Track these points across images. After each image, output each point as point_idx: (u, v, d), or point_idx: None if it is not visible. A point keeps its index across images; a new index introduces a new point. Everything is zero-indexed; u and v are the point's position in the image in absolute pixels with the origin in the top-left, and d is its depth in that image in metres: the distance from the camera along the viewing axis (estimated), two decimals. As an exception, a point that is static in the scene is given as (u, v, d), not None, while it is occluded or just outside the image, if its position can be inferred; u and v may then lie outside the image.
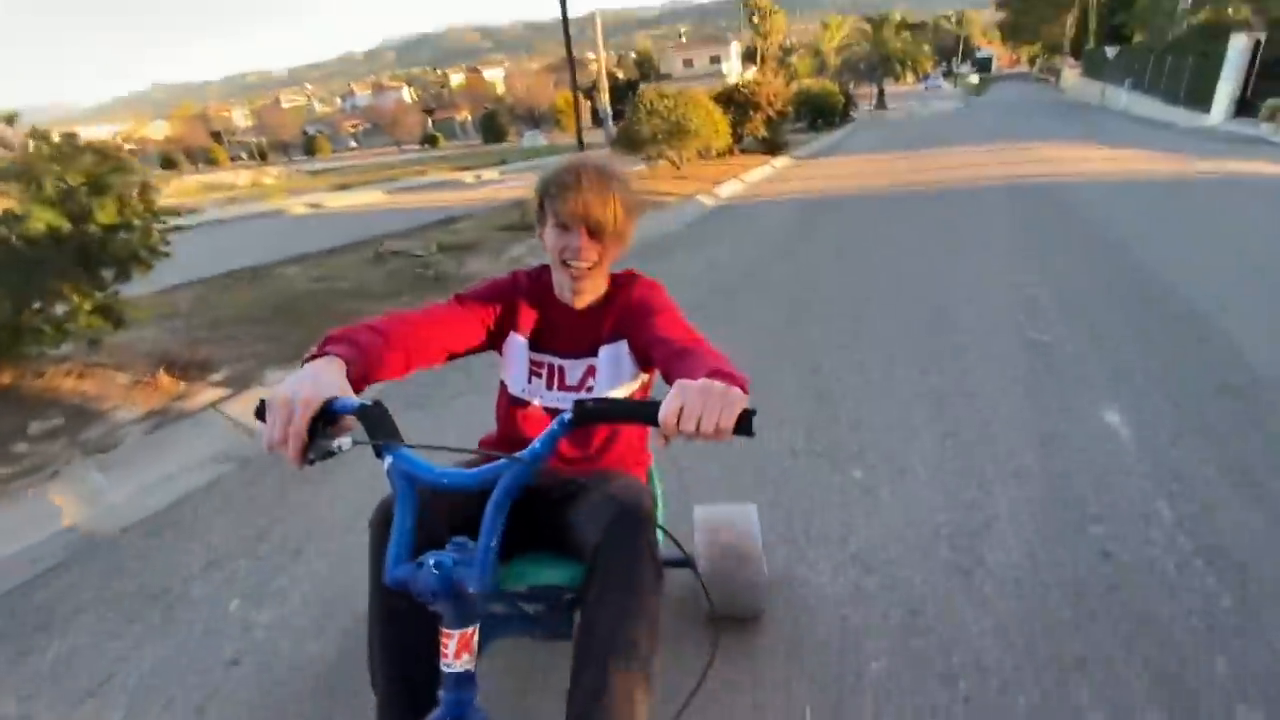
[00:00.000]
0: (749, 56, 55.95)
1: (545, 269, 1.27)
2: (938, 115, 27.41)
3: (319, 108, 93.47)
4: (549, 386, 1.24)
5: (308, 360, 0.92)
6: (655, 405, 0.77)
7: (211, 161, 68.01)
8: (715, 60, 53.70)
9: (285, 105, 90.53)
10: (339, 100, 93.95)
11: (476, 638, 0.85)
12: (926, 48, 68.77)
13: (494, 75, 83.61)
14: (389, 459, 0.85)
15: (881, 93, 41.20)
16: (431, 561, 0.81)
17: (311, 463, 0.84)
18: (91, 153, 3.23)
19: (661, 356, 1.04)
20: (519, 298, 1.25)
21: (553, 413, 1.21)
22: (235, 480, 2.73)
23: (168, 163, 70.78)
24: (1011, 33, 57.10)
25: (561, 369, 1.24)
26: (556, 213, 1.12)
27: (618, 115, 20.26)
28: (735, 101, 15.66)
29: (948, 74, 69.80)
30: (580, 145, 8.62)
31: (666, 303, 1.19)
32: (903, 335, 3.72)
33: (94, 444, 2.88)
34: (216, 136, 77.27)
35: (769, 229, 7.33)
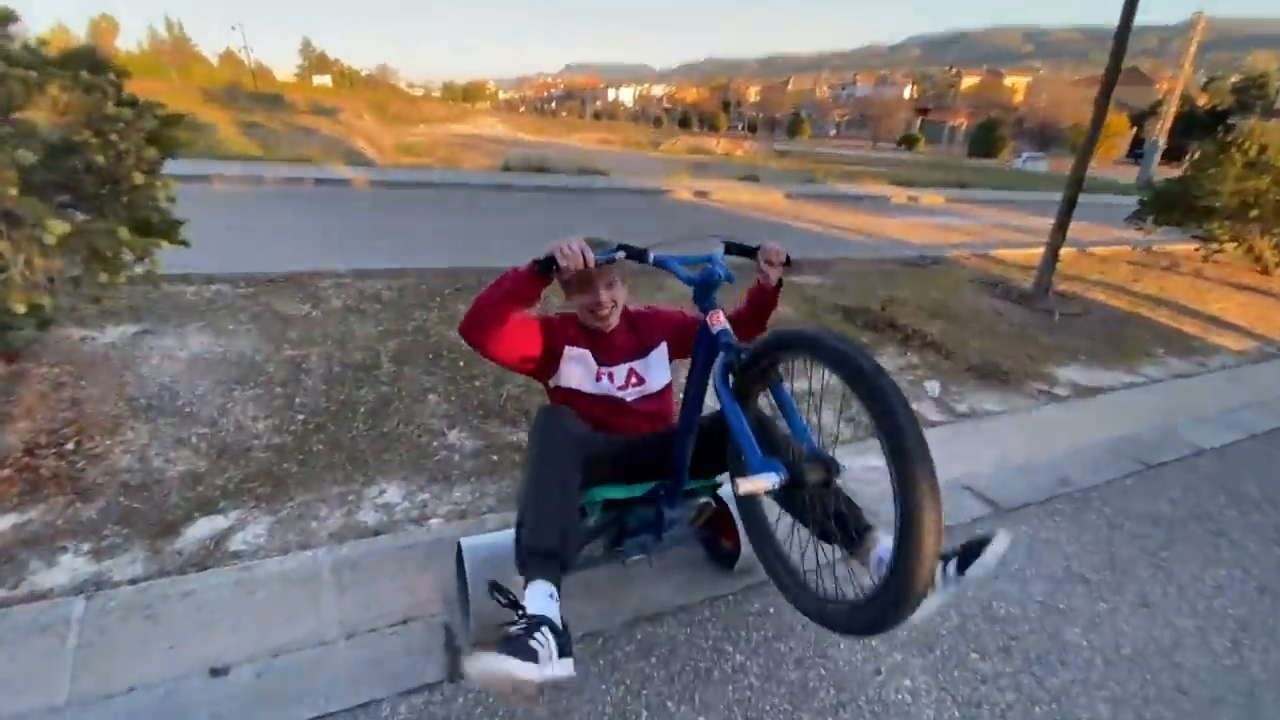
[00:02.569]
0: None
1: (568, 315, 1.75)
2: None
3: (819, 93, 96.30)
4: (611, 382, 1.71)
5: (533, 262, 1.45)
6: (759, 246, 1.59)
7: (713, 127, 77.42)
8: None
9: (791, 88, 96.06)
10: (841, 89, 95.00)
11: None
12: None
13: (1018, 81, 71.93)
14: (652, 258, 1.52)
15: None
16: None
17: (598, 264, 1.44)
18: None
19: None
20: (565, 330, 1.72)
21: (614, 398, 1.72)
22: None
23: (684, 121, 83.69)
24: None
25: (613, 374, 1.72)
26: (591, 286, 1.66)
27: (1172, 153, 13.61)
28: None
29: None
30: (1077, 185, 4.70)
31: (673, 310, 1.86)
32: None
33: None
34: (725, 106, 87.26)
35: None
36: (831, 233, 9.06)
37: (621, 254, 1.48)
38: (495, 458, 2.42)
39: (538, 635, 1.16)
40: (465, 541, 1.71)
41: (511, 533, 1.51)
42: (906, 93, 77.39)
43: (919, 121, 60.82)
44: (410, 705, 1.54)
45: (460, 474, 2.31)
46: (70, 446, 2.17)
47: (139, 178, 2.18)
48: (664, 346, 1.77)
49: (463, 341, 1.54)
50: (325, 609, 1.76)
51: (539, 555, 1.35)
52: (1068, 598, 2.08)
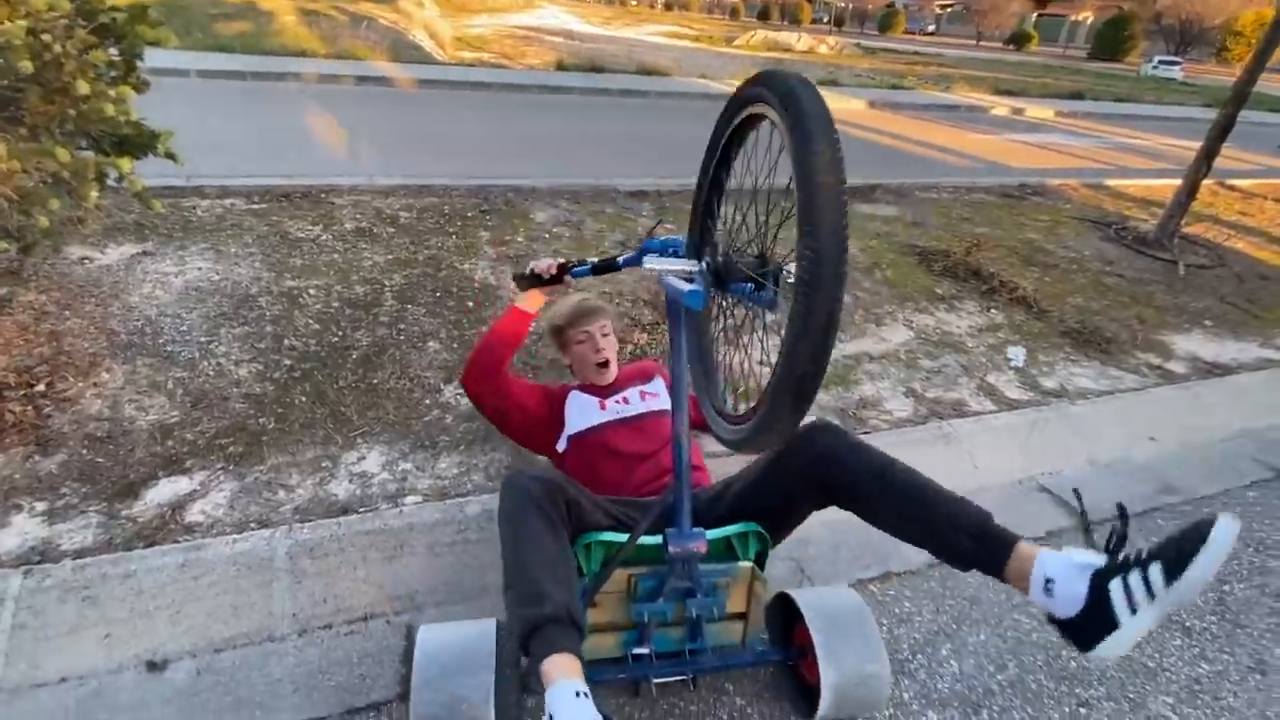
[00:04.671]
0: None
1: (569, 384, 1.82)
2: None
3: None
4: (623, 404, 1.71)
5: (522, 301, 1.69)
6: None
7: (795, 20, 70.43)
8: None
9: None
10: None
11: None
12: None
13: (1162, -34, 61.23)
14: (621, 262, 1.46)
15: None
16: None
17: (573, 274, 1.60)
18: None
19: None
20: (568, 390, 1.76)
21: (627, 418, 1.68)
22: None
23: (763, 14, 76.40)
24: None
25: (624, 397, 1.73)
26: (586, 331, 1.75)
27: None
28: None
29: None
30: (1239, 102, 3.83)
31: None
32: None
33: None
34: (811, -4, 78.91)
35: None
36: (915, 151, 8.05)
37: (592, 263, 1.57)
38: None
39: None
40: (424, 631, 1.30)
41: (475, 625, 1.32)
42: (1025, -20, 67.44)
43: (1034, 16, 53.48)
44: (353, 729, 1.36)
45: (449, 441, 2.06)
46: (41, 388, 2.03)
47: (84, 86, 1.87)
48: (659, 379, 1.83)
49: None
50: (278, 600, 1.58)
51: (545, 625, 1.10)
52: (1160, 652, 1.69)
